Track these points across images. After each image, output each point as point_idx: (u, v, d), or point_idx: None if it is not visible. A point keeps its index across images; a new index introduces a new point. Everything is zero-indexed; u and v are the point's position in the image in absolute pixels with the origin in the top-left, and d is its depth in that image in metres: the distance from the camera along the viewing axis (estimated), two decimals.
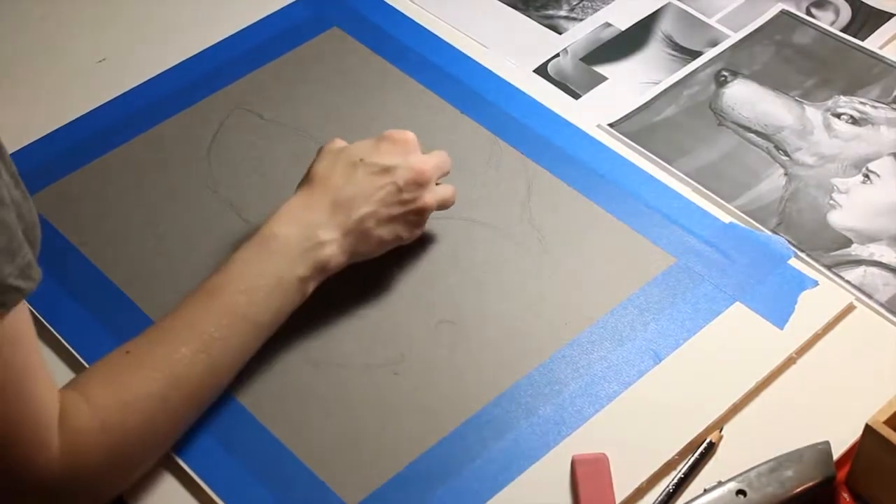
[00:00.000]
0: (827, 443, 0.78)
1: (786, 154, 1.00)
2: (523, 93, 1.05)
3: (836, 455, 0.78)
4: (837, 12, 1.12)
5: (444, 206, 0.91)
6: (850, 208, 0.95)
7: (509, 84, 1.06)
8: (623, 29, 1.12)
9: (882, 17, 1.11)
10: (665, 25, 1.12)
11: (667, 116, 1.03)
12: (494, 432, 0.81)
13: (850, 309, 0.88)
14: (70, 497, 0.74)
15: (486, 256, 0.93)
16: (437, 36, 1.11)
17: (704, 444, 0.80)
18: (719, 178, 0.97)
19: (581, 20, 1.13)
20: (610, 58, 1.09)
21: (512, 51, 1.10)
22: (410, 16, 1.13)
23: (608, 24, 1.13)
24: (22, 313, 0.70)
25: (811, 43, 1.09)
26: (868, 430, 0.74)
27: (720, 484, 0.77)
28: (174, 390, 0.77)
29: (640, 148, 1.00)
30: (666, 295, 0.89)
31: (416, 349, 0.87)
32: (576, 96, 1.06)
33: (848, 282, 0.90)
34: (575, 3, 1.15)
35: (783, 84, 1.05)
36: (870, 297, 0.89)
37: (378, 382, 0.85)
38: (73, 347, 0.87)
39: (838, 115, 1.02)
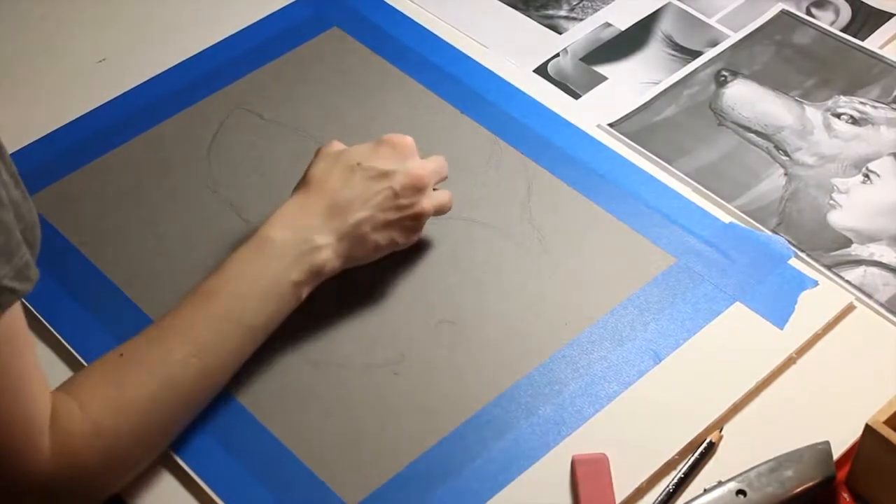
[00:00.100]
0: (827, 443, 0.78)
1: (786, 154, 1.00)
2: (523, 93, 1.05)
3: (836, 455, 0.78)
4: (837, 12, 1.12)
5: (440, 211, 0.91)
6: (850, 208, 0.95)
7: (509, 84, 1.06)
8: (623, 29, 1.12)
9: (882, 17, 1.11)
10: (665, 25, 1.12)
11: (667, 116, 1.03)
12: (494, 432, 0.81)
13: (850, 309, 0.88)
14: (62, 499, 0.74)
15: (486, 256, 0.93)
16: (437, 36, 1.11)
17: (704, 444, 0.80)
18: (719, 178, 0.97)
19: (581, 20, 1.13)
20: (610, 58, 1.09)
21: (512, 51, 1.10)
22: (410, 16, 1.13)
23: (608, 24, 1.13)
24: (17, 314, 0.69)
25: (811, 43, 1.09)
26: (868, 430, 0.74)
27: (720, 484, 0.77)
28: (167, 393, 0.77)
29: (640, 148, 1.00)
30: (666, 295, 0.89)
31: (416, 349, 0.87)
32: (576, 96, 1.06)
33: (848, 282, 0.90)
34: (575, 3, 1.15)
35: (783, 84, 1.05)
36: (870, 297, 0.89)
37: (378, 382, 0.85)
38: (72, 347, 0.87)
39: (838, 115, 1.02)
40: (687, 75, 1.07)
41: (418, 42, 1.11)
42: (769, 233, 0.93)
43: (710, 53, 1.08)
